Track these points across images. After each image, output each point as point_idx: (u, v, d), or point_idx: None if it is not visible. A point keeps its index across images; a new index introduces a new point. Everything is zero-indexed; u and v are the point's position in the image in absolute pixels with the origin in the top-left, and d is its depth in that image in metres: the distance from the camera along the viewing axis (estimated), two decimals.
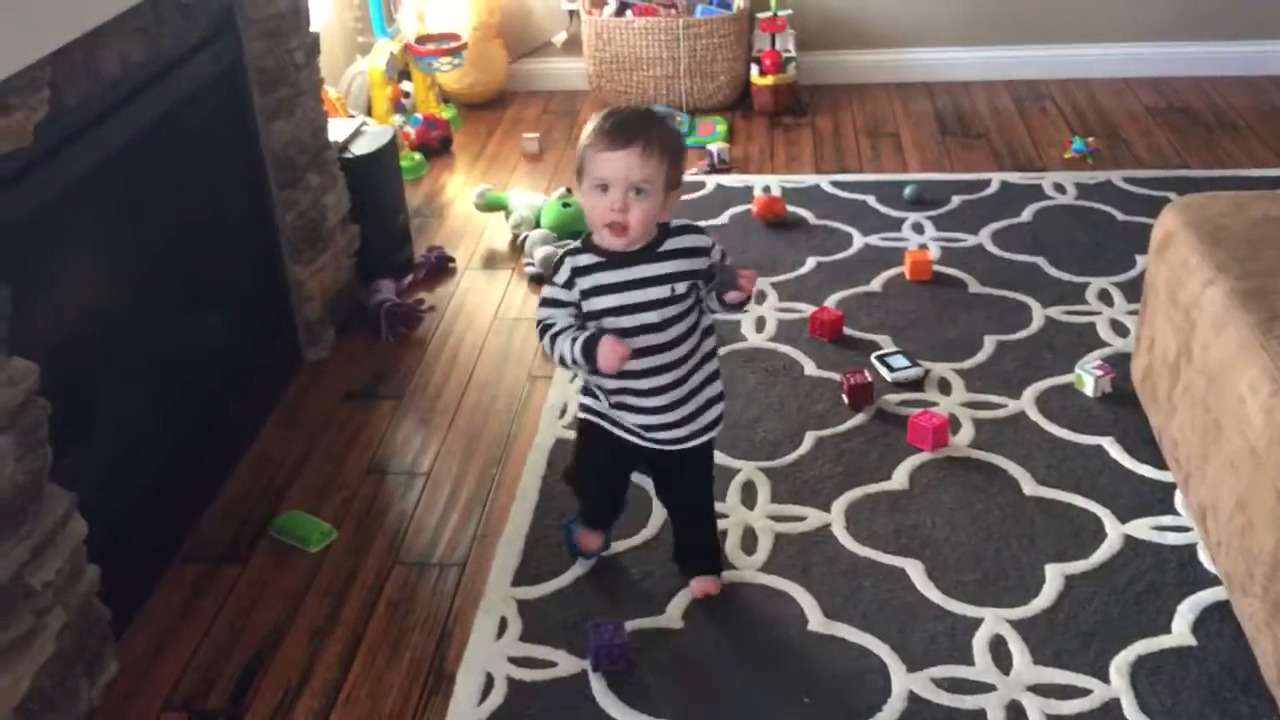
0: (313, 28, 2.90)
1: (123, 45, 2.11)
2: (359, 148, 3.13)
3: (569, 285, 1.86)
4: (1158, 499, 2.31)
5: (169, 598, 2.21)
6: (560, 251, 1.91)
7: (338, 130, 3.12)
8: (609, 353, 1.79)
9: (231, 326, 2.68)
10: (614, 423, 1.99)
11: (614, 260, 1.86)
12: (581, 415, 2.05)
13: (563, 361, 1.85)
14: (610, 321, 1.86)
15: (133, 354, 2.27)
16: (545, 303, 1.89)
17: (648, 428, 1.96)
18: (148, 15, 2.18)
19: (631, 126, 1.79)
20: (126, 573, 2.12)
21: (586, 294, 1.86)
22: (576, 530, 2.21)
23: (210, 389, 2.56)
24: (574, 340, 1.82)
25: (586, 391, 2.02)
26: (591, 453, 2.08)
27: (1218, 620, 2.02)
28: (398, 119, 4.00)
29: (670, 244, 1.88)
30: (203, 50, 2.44)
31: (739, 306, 1.90)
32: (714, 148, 3.90)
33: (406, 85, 4.21)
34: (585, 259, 1.87)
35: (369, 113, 3.97)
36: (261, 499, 2.46)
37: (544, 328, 1.88)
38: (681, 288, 1.88)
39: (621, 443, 2.00)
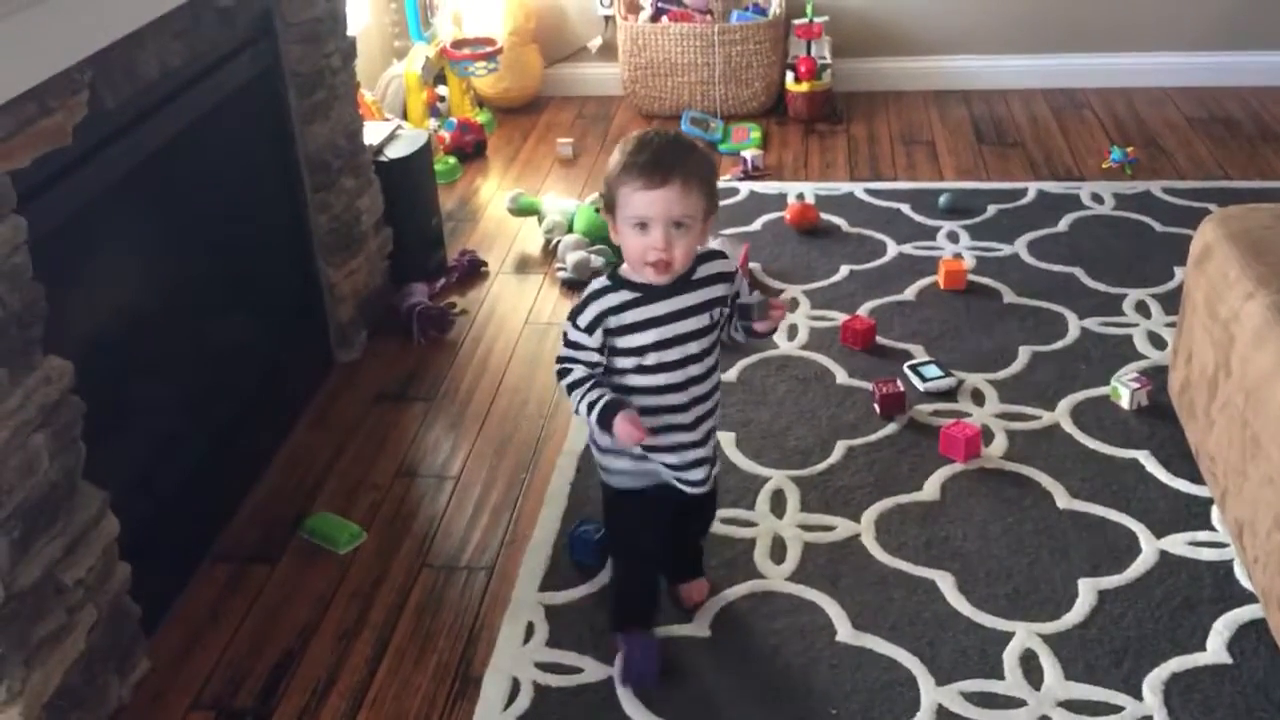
0: (350, 32, 2.92)
1: (161, 48, 2.12)
2: (394, 151, 3.15)
3: (591, 329, 1.80)
4: (1194, 514, 2.28)
5: (199, 596, 2.23)
6: (589, 289, 1.83)
7: (373, 134, 3.13)
8: (628, 431, 1.75)
9: (264, 327, 2.69)
10: (643, 474, 1.92)
11: (651, 294, 1.80)
12: (606, 482, 1.97)
13: (577, 412, 1.83)
14: (654, 357, 1.82)
15: (167, 354, 2.28)
16: (567, 344, 1.84)
17: (680, 467, 1.90)
18: (186, 18, 2.19)
19: (668, 161, 1.72)
20: (158, 571, 2.14)
21: (621, 331, 1.80)
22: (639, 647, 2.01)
23: (243, 389, 2.57)
24: (590, 405, 1.79)
25: (604, 451, 1.93)
26: (633, 510, 1.97)
27: (1254, 638, 1.99)
28: (433, 123, 4.02)
29: (702, 270, 1.84)
30: (241, 54, 2.46)
31: (765, 336, 1.91)
32: (748, 154, 3.89)
33: (442, 89, 4.23)
34: (616, 298, 1.80)
35: (405, 116, 3.99)
36: (292, 500, 2.47)
37: (560, 372, 1.85)
38: (716, 314, 1.86)
39: (657, 492, 1.94)
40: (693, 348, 1.84)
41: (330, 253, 2.84)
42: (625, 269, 1.83)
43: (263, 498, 2.49)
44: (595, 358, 1.82)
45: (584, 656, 2.04)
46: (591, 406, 1.79)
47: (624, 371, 1.84)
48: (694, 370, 1.85)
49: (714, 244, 3.21)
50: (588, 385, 1.81)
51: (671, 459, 1.90)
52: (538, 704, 1.95)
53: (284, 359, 2.74)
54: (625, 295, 1.80)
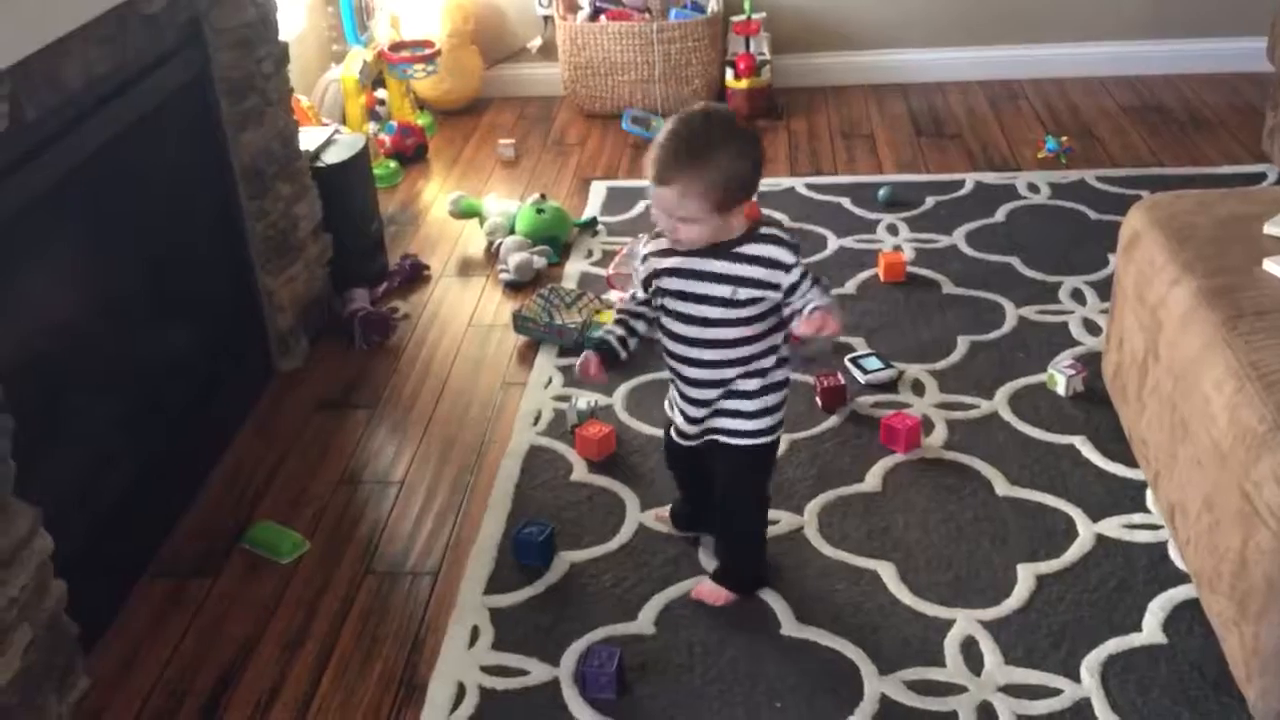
0: (284, 36, 2.90)
1: (86, 56, 2.10)
2: (330, 156, 3.13)
3: (644, 259, 1.95)
4: (1129, 497, 2.32)
5: (140, 612, 2.20)
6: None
7: (309, 139, 3.11)
8: (582, 364, 2.00)
9: (202, 338, 2.67)
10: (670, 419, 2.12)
11: (692, 251, 1.90)
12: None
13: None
14: (672, 303, 1.93)
15: (100, 367, 2.26)
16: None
17: (675, 409, 2.08)
18: (111, 26, 2.17)
19: (676, 162, 1.78)
20: (96, 587, 2.11)
21: (658, 274, 1.93)
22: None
23: (181, 401, 2.55)
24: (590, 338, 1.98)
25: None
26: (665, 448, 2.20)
27: (1188, 618, 2.03)
28: (372, 127, 4.00)
29: (748, 248, 1.87)
30: (169, 61, 2.44)
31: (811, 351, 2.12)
32: None
33: (381, 93, 4.20)
34: (661, 243, 1.93)
35: (343, 121, 3.96)
36: (233, 511, 2.45)
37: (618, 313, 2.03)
38: (743, 294, 1.87)
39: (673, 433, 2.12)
40: (712, 313, 1.90)
41: (268, 260, 2.82)
42: None
43: (203, 510, 2.47)
44: (641, 301, 1.99)
45: (530, 658, 2.03)
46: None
47: (659, 311, 1.98)
48: (710, 334, 1.92)
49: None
50: (616, 319, 2.02)
51: (677, 400, 2.05)
52: (483, 708, 1.95)
53: (223, 369, 2.72)
54: (663, 242, 1.92)
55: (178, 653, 2.11)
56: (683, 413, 2.05)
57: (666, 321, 1.97)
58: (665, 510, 2.32)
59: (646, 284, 1.96)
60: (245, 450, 2.65)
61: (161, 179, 2.49)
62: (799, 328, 1.87)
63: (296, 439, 2.68)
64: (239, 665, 2.07)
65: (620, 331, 2.01)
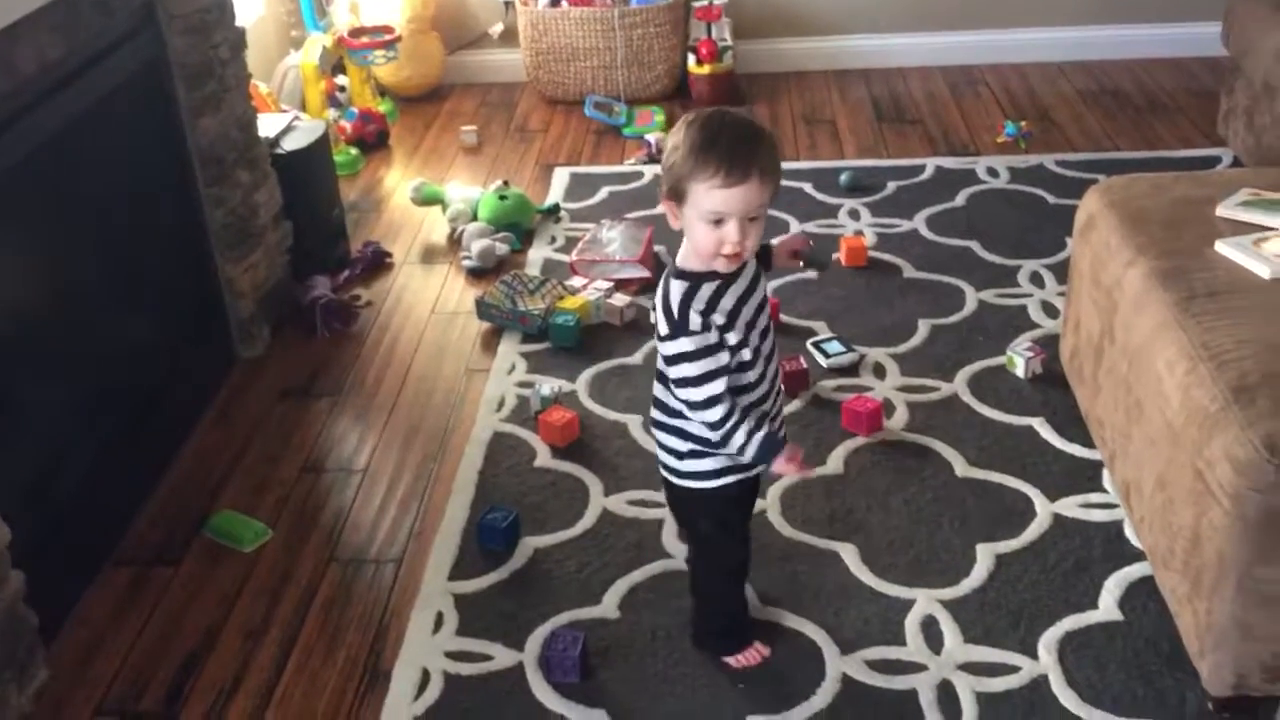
0: (241, 22, 2.88)
1: (38, 41, 2.07)
2: (290, 143, 3.10)
3: (707, 327, 1.68)
4: (1086, 477, 2.35)
5: (100, 601, 2.19)
6: (676, 295, 1.69)
7: (268, 126, 3.08)
8: (789, 459, 1.73)
9: (161, 325, 2.64)
10: (731, 469, 1.84)
11: (727, 280, 1.71)
12: (699, 485, 1.86)
13: (723, 439, 1.73)
14: (754, 340, 1.74)
15: (58, 355, 2.23)
16: (688, 356, 1.69)
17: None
18: (63, 11, 2.14)
19: (744, 155, 1.62)
20: (56, 577, 2.09)
21: (729, 318, 1.70)
22: (742, 648, 1.99)
23: (140, 389, 2.53)
24: (752, 434, 1.70)
25: (694, 455, 1.83)
26: (731, 507, 1.91)
27: (1143, 595, 2.06)
28: (332, 113, 3.97)
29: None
30: (123, 46, 2.41)
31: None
32: (652, 138, 3.91)
33: (341, 79, 4.17)
34: (708, 289, 1.69)
35: (303, 107, 3.93)
36: (195, 499, 2.44)
37: (724, 415, 1.71)
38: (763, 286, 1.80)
39: (744, 481, 1.87)
40: (764, 321, 1.77)
41: (228, 248, 2.80)
42: (688, 261, 1.72)
43: (165, 498, 2.45)
44: (725, 359, 1.71)
45: (494, 644, 2.04)
46: (749, 438, 1.71)
47: (730, 369, 1.73)
48: (767, 346, 1.78)
49: (619, 228, 3.24)
50: (743, 419, 1.72)
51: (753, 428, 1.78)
52: (448, 693, 1.95)
53: (183, 357, 2.70)
54: (710, 285, 1.70)
55: (139, 642, 2.10)
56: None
57: (741, 375, 1.76)
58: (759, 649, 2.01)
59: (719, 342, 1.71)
60: (207, 439, 2.63)
61: (119, 166, 2.46)
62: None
63: (259, 427, 2.66)
64: (201, 654, 2.06)
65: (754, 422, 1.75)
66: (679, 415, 1.80)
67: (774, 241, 1.85)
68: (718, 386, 1.71)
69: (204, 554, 2.29)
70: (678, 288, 1.70)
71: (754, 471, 1.86)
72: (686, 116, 1.68)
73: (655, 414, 1.86)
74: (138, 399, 2.51)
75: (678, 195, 1.67)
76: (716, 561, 1.98)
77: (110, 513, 2.35)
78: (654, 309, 1.75)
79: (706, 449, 1.81)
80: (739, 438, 1.72)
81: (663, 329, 1.72)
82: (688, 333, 1.68)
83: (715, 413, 1.71)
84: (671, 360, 1.72)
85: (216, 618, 2.14)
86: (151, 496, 2.45)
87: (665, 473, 1.90)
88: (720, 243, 1.65)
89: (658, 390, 1.84)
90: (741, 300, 1.73)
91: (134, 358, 2.52)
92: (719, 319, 1.69)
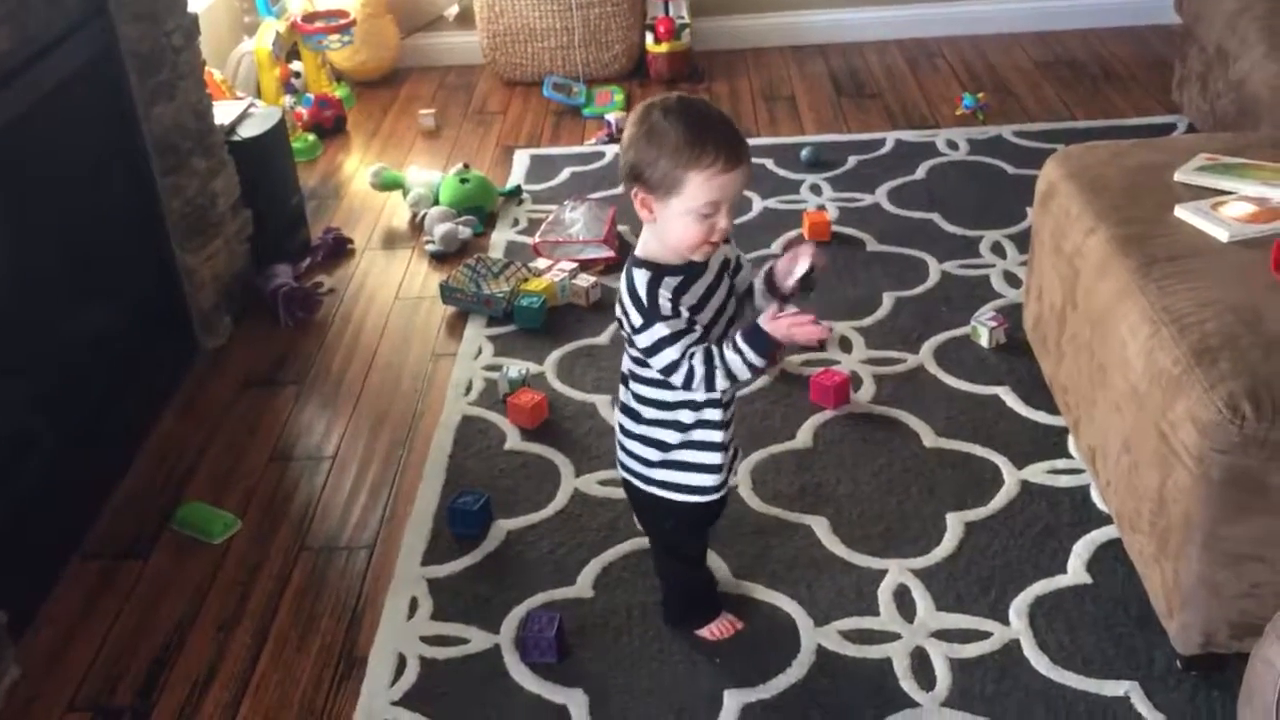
0: (193, 9, 2.84)
1: None
2: (247, 130, 3.07)
3: (676, 311, 1.65)
4: (1051, 443, 2.37)
5: (70, 597, 2.16)
6: (641, 282, 1.66)
7: (224, 113, 3.05)
8: (782, 322, 1.59)
9: (121, 317, 2.61)
10: (687, 488, 1.82)
11: (693, 271, 1.69)
12: (668, 496, 1.84)
13: (733, 377, 1.66)
14: (715, 329, 1.72)
15: (16, 348, 2.20)
16: (668, 341, 1.65)
17: (726, 446, 1.81)
18: (11, 2, 2.10)
19: (737, 138, 1.60)
20: (23, 574, 2.07)
21: (692, 310, 1.67)
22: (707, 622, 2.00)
23: (102, 382, 2.50)
24: (738, 351, 1.63)
25: (667, 466, 1.81)
26: (700, 514, 1.89)
27: (1110, 558, 2.09)
28: (288, 99, 3.93)
29: None
30: (74, 35, 2.37)
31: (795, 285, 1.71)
32: (612, 117, 3.90)
33: (296, 65, 4.13)
34: (672, 279, 1.66)
35: (258, 94, 3.89)
36: (162, 492, 2.42)
37: (689, 371, 1.65)
38: (728, 280, 1.77)
39: (706, 505, 1.86)
40: (726, 317, 1.75)
41: (186, 238, 2.77)
42: (650, 249, 1.68)
43: (131, 491, 2.43)
44: (699, 333, 1.67)
45: (469, 627, 2.04)
46: (740, 352, 1.63)
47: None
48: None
49: (582, 208, 3.23)
50: (718, 351, 1.65)
51: (712, 458, 1.81)
52: (425, 678, 1.95)
53: (145, 348, 2.67)
54: (676, 277, 1.66)
55: (110, 637, 2.08)
56: (732, 453, 1.85)
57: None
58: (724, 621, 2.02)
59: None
60: (172, 430, 2.61)
61: (74, 156, 2.43)
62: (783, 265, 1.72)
63: (224, 417, 2.64)
64: (174, 647, 2.05)
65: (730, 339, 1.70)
66: (654, 424, 1.79)
67: (779, 267, 1.73)
68: (674, 352, 1.66)
69: (173, 547, 2.27)
70: (642, 275, 1.66)
71: (724, 491, 1.85)
72: (647, 107, 1.63)
73: (625, 422, 1.83)
74: (99, 392, 2.48)
75: (665, 188, 1.60)
76: (676, 554, 1.99)
77: (76, 507, 2.32)
78: (619, 304, 1.71)
79: (689, 447, 1.79)
80: (733, 365, 1.64)
81: (635, 320, 1.67)
82: (661, 317, 1.65)
83: (710, 382, 1.67)
84: (651, 350, 1.67)
85: (188, 610, 2.12)
86: (117, 490, 2.42)
87: (630, 477, 1.88)
88: (710, 232, 1.62)
89: (625, 397, 1.82)
90: (709, 293, 1.71)
91: (94, 350, 2.49)
92: (685, 309, 1.66)
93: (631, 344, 1.73)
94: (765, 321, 1.61)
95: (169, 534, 2.30)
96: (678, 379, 1.68)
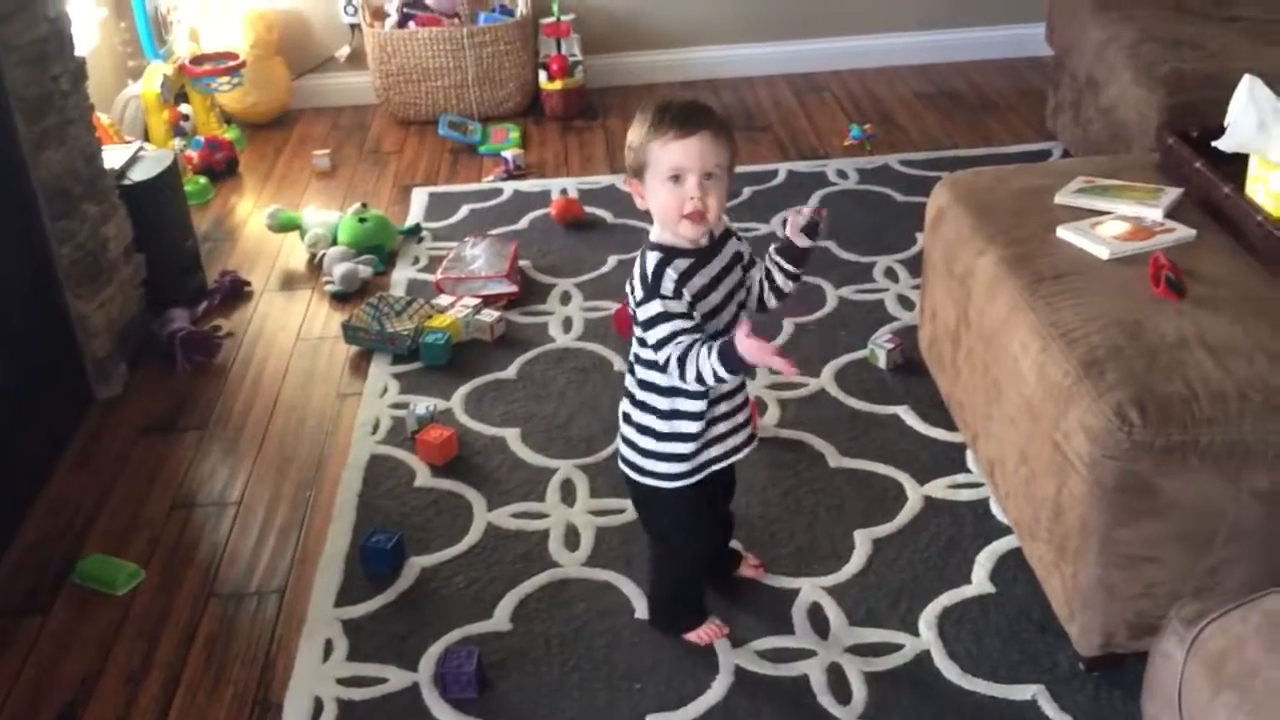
0: (79, 53, 2.78)
1: None
2: (137, 174, 3.02)
3: (678, 294, 1.74)
4: (951, 459, 2.45)
5: None
6: (651, 261, 1.75)
7: (114, 157, 2.99)
8: (756, 348, 1.65)
9: (12, 367, 2.53)
10: (697, 463, 1.89)
11: (703, 255, 1.79)
12: (654, 484, 1.91)
13: (700, 381, 1.73)
14: (720, 319, 1.81)
15: None
16: (664, 318, 1.73)
17: (729, 434, 1.91)
18: None
19: (696, 113, 1.73)
20: None
21: (697, 297, 1.77)
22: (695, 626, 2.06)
23: None
24: (709, 351, 1.70)
25: (657, 457, 1.88)
26: (689, 504, 1.94)
27: (1013, 566, 2.16)
28: (178, 142, 3.87)
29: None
30: None
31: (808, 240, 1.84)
32: (509, 154, 3.92)
33: (185, 108, 4.07)
34: (683, 262, 1.76)
35: (146, 138, 3.82)
36: (59, 545, 2.35)
37: (681, 356, 1.73)
38: (739, 272, 1.86)
39: (710, 475, 1.93)
40: (735, 306, 1.85)
41: (78, 284, 2.70)
42: (661, 235, 1.79)
43: (27, 547, 2.35)
44: (695, 320, 1.75)
45: (387, 666, 2.02)
46: (710, 360, 1.70)
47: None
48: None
49: (483, 244, 3.24)
50: (699, 347, 1.71)
51: (723, 427, 1.90)
52: None
53: (38, 398, 2.59)
54: (686, 260, 1.77)
55: (12, 695, 2.01)
56: (742, 425, 1.93)
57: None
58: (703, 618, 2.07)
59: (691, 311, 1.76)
60: (67, 482, 2.54)
61: None
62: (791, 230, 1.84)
63: (122, 466, 2.58)
64: (80, 703, 1.99)
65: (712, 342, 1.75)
66: (650, 410, 1.86)
67: (785, 230, 1.84)
68: (679, 338, 1.74)
69: (74, 601, 2.21)
70: (653, 256, 1.77)
71: (709, 471, 1.92)
72: (645, 104, 1.79)
73: (625, 407, 1.92)
74: None
75: (639, 168, 1.75)
76: (672, 557, 2.04)
77: None
78: (628, 283, 1.80)
79: (672, 443, 1.86)
80: (703, 368, 1.71)
81: (638, 294, 1.77)
82: (660, 296, 1.74)
83: (682, 373, 1.75)
84: (648, 324, 1.76)
85: (93, 664, 2.06)
86: (12, 545, 2.35)
87: (627, 469, 1.94)
88: (682, 200, 1.72)
89: (629, 383, 1.90)
90: (716, 280, 1.80)
91: None
92: (688, 294, 1.75)
93: (636, 322, 1.81)
94: (739, 339, 1.68)
95: (70, 588, 2.23)
96: (661, 357, 1.76)
